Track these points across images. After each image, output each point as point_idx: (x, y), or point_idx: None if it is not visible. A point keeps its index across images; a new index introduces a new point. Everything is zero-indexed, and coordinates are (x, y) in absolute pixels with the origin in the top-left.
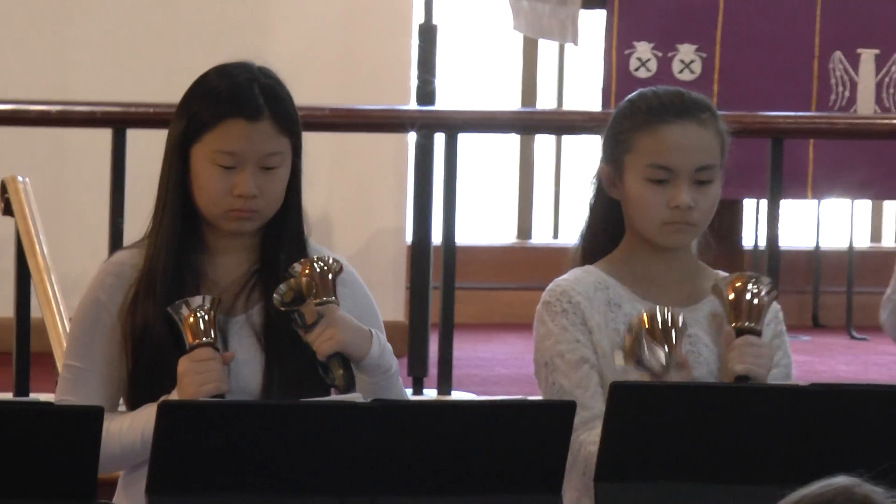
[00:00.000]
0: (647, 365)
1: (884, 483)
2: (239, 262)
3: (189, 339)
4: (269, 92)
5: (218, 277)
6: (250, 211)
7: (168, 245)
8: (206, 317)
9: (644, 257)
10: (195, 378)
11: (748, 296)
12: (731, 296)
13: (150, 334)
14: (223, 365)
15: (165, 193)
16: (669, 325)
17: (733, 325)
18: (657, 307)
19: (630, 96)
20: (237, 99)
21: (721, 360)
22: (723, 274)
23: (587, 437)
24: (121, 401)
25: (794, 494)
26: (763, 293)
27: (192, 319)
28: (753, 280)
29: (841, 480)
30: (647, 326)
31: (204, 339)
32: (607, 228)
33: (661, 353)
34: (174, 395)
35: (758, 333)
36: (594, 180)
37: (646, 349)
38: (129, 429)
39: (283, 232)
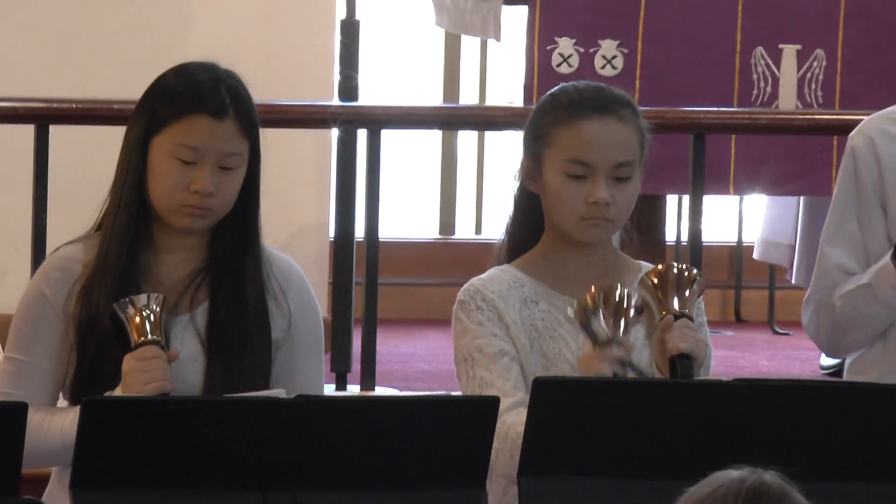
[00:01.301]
0: (592, 329)
1: (800, 479)
2: (185, 261)
3: (134, 336)
4: (234, 93)
5: (163, 275)
6: (203, 209)
7: (122, 239)
8: (152, 315)
9: (563, 252)
10: (140, 376)
11: (678, 284)
12: (660, 284)
13: (96, 328)
14: (168, 363)
15: (122, 187)
16: (626, 306)
17: (667, 311)
18: (625, 287)
19: (551, 91)
20: (204, 95)
21: (652, 347)
22: (646, 264)
23: (515, 420)
24: (61, 396)
25: (693, 487)
26: (693, 282)
27: (138, 318)
28: (682, 269)
29: (737, 471)
30: (606, 296)
31: (150, 337)
32: (531, 223)
33: (609, 326)
34: (118, 392)
35: (690, 318)
36: (517, 175)
37: (599, 316)
38: (51, 428)
39: (235, 234)
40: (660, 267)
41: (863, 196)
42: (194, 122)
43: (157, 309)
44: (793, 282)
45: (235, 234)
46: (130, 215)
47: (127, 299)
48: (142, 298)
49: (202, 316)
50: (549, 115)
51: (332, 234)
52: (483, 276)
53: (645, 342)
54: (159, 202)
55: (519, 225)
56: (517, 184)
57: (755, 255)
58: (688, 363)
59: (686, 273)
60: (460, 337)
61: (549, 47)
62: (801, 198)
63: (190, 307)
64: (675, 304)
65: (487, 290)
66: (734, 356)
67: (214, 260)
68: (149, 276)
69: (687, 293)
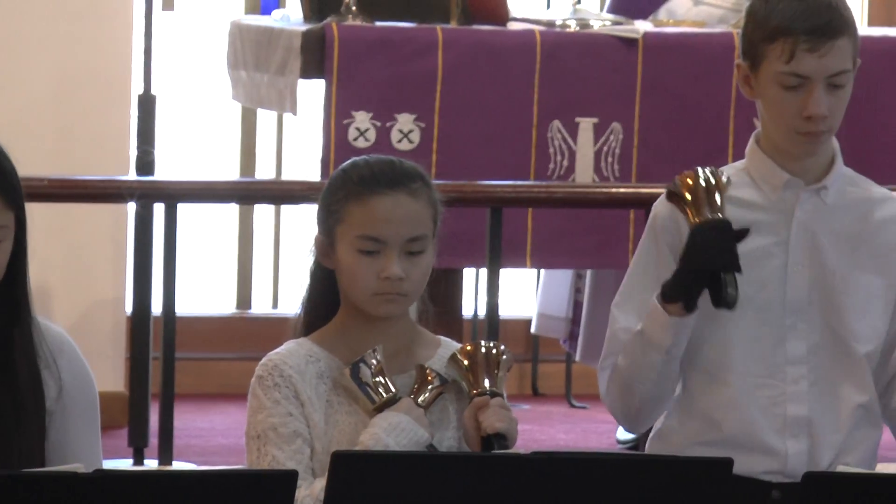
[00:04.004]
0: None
1: None
2: None
3: None
4: None
5: None
6: None
7: None
8: None
9: (358, 327)
10: None
11: (488, 362)
12: (469, 363)
13: None
14: None
15: None
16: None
17: (479, 389)
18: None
19: (343, 165)
20: None
21: (461, 427)
22: (446, 340)
23: (308, 492)
24: None
25: None
26: (500, 357)
27: None
28: (490, 347)
29: None
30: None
31: None
32: (327, 297)
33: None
34: None
35: (502, 397)
36: (311, 249)
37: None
38: None
39: (4, 304)
40: (469, 346)
41: (662, 262)
42: None
43: None
44: (577, 359)
45: (4, 304)
46: None
47: None
48: None
49: None
50: (340, 191)
51: (128, 308)
52: (281, 349)
53: (440, 418)
54: None
55: (315, 299)
56: (313, 258)
57: (533, 330)
58: (504, 442)
59: (495, 351)
60: (256, 412)
61: (345, 121)
62: (583, 272)
63: None
64: (487, 382)
65: (286, 365)
66: (531, 429)
67: None
68: None
69: (497, 371)
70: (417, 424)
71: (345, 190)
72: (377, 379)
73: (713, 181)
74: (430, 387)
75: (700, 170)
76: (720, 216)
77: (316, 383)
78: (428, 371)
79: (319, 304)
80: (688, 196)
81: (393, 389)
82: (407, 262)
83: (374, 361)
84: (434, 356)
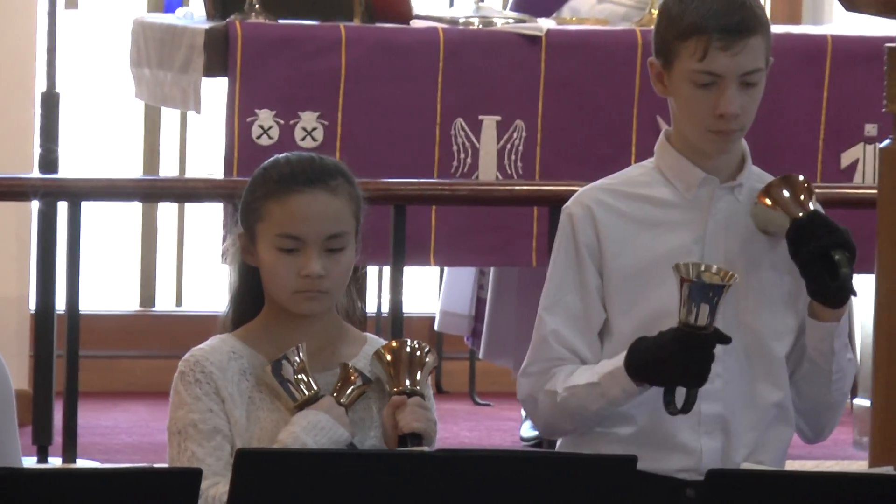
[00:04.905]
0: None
1: None
2: None
3: None
4: None
5: None
6: None
7: None
8: None
9: (282, 324)
10: None
11: (411, 361)
12: (392, 360)
13: None
14: None
15: None
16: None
17: (400, 388)
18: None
19: (265, 163)
20: None
21: (383, 423)
22: (373, 337)
23: (220, 490)
24: None
25: None
26: (424, 358)
27: None
28: (415, 346)
29: None
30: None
31: None
32: (253, 294)
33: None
34: None
35: (423, 396)
36: (228, 246)
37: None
38: None
39: None
40: (394, 343)
41: (582, 265)
42: None
43: None
44: (480, 356)
45: None
46: None
47: None
48: None
49: None
50: (260, 190)
51: (32, 306)
52: (204, 345)
53: (363, 417)
54: None
55: (242, 295)
56: (237, 254)
57: (436, 327)
58: (419, 442)
59: (419, 351)
60: (177, 408)
61: (249, 119)
62: (486, 269)
63: None
64: (408, 381)
65: (207, 361)
66: None
67: None
68: None
69: (419, 371)
70: (337, 423)
71: (265, 188)
72: (299, 376)
73: None
74: (352, 386)
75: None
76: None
77: (238, 380)
78: (351, 370)
79: (247, 300)
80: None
81: (315, 387)
82: (327, 260)
83: (297, 359)
84: (359, 353)
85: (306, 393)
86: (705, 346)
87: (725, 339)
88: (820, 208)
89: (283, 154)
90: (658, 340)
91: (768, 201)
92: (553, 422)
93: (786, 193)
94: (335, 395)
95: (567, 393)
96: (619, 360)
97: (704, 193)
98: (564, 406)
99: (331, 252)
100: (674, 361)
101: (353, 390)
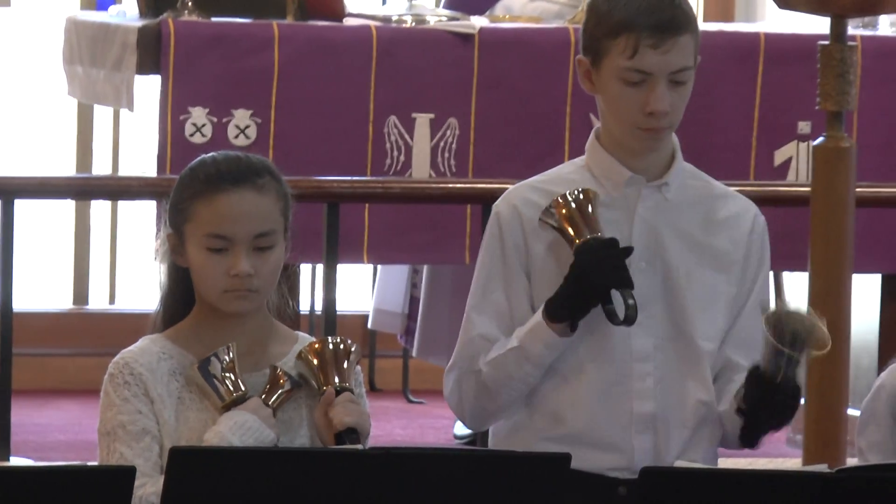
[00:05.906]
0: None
1: None
2: None
3: None
4: None
5: None
6: None
7: None
8: None
9: (212, 324)
10: None
11: (336, 357)
12: (317, 361)
13: None
14: None
15: None
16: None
17: (328, 385)
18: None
19: (192, 164)
20: None
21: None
22: (304, 335)
23: (151, 490)
24: None
25: None
26: (349, 354)
27: None
28: (338, 342)
29: None
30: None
31: None
32: (183, 293)
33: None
34: None
35: (352, 391)
36: (159, 246)
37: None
38: None
39: None
40: (316, 344)
41: (508, 264)
42: None
43: None
44: (414, 354)
45: None
46: None
47: None
48: None
49: None
50: (187, 190)
51: None
52: (133, 347)
53: (293, 417)
54: None
55: (173, 295)
56: (167, 254)
57: (369, 325)
58: (355, 437)
59: (342, 346)
60: (106, 410)
61: (182, 117)
62: (419, 267)
63: None
64: (336, 378)
65: (137, 362)
66: None
67: None
68: None
69: (345, 366)
70: (264, 424)
71: (192, 188)
72: (227, 375)
73: (583, 199)
74: (280, 390)
75: (568, 193)
76: (601, 234)
77: (168, 380)
78: (280, 373)
79: (178, 299)
80: (565, 219)
81: (243, 388)
82: (256, 258)
83: (227, 358)
84: (290, 352)
85: (234, 393)
86: (605, 244)
87: (629, 250)
88: None
89: (210, 154)
90: (565, 279)
91: None
92: (479, 403)
93: None
94: (263, 396)
95: (489, 367)
96: (536, 316)
97: (631, 192)
98: (489, 380)
99: (259, 251)
100: (585, 272)
101: (281, 393)
